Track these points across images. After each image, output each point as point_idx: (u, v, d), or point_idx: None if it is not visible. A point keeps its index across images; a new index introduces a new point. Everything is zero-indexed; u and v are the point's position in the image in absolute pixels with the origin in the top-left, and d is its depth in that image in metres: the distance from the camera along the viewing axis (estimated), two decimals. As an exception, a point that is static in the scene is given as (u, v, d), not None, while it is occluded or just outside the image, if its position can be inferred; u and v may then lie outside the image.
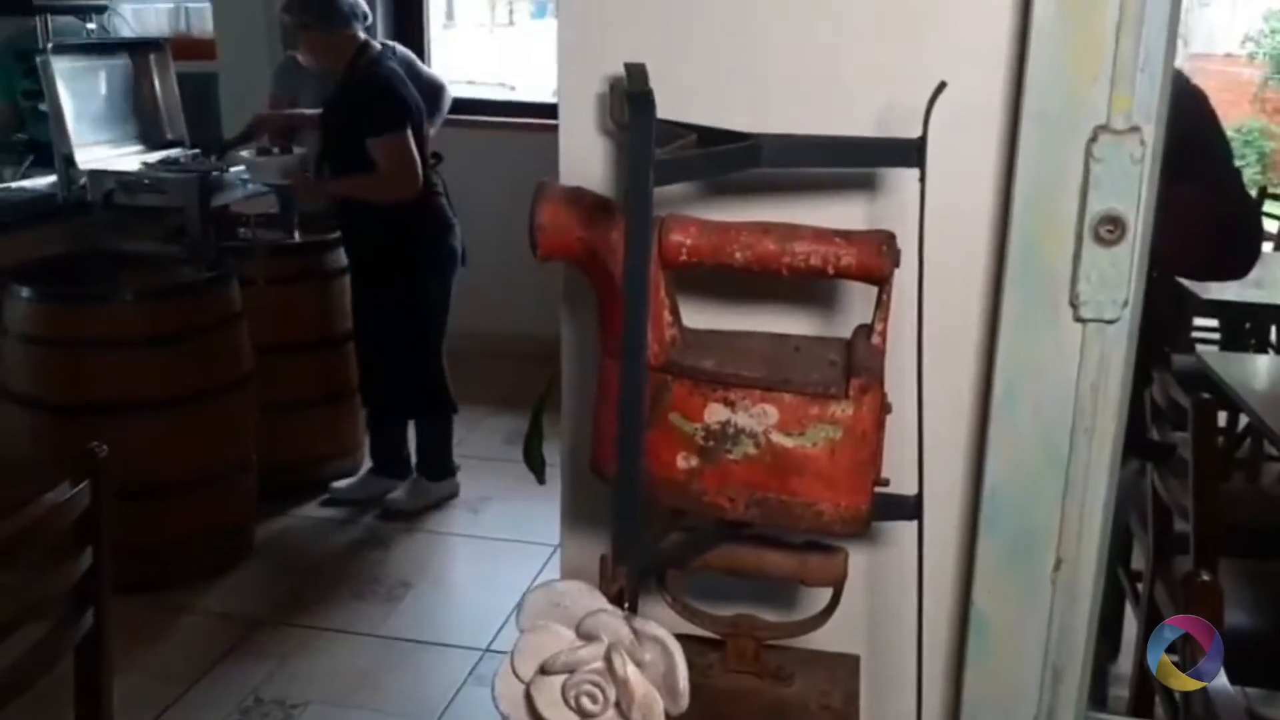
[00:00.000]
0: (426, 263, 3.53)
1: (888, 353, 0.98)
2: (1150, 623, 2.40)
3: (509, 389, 4.83)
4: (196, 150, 3.82)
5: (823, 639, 1.09)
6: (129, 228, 3.58)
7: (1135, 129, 0.95)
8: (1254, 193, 4.58)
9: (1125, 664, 2.56)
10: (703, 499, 0.96)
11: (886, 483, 0.99)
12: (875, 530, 1.12)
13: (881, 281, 0.94)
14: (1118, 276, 0.97)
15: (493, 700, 0.88)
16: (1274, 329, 3.96)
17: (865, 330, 0.98)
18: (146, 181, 3.43)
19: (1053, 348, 1.00)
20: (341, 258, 3.62)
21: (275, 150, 3.61)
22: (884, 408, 0.95)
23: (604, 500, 0.93)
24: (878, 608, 1.14)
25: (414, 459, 3.93)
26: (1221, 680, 1.91)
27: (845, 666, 1.08)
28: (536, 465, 1.80)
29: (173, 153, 3.72)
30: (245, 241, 3.64)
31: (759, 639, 1.05)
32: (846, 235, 0.94)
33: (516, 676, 0.87)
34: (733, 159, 0.94)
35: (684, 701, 0.83)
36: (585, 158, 1.09)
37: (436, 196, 3.53)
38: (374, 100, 3.34)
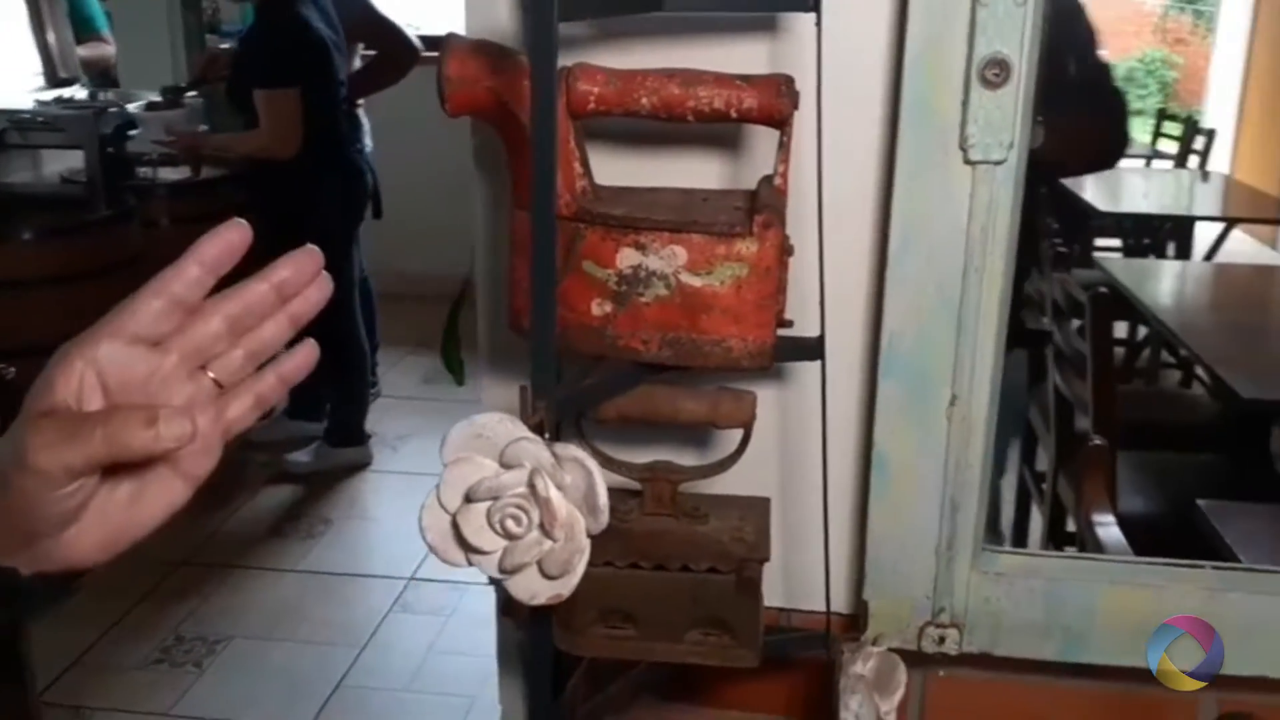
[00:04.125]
0: (320, 212, 3.44)
1: (790, 200, 1.02)
2: (1054, 516, 2.51)
3: (428, 329, 4.81)
4: (92, 88, 3.72)
5: (736, 485, 1.13)
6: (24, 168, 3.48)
7: (1018, -25, 0.99)
8: (1154, 112, 4.74)
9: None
10: (617, 343, 0.99)
11: (790, 324, 1.04)
12: (782, 375, 1.16)
13: (782, 124, 0.98)
14: (1003, 119, 1.02)
15: (420, 533, 0.90)
16: (1172, 244, 4.10)
17: (769, 178, 1.02)
18: (41, 120, 3.33)
19: (944, 192, 1.04)
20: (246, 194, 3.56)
21: (162, 104, 3.57)
22: (786, 247, 0.99)
23: (522, 355, 0.96)
24: (787, 454, 1.19)
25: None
26: (1117, 534, 2.02)
27: (757, 507, 1.12)
28: (454, 366, 1.81)
29: (67, 91, 3.61)
30: (146, 181, 3.56)
31: (674, 482, 1.09)
32: (747, 79, 0.97)
33: (442, 508, 0.89)
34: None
35: (604, 518, 0.86)
36: (490, 11, 1.11)
37: (340, 145, 3.47)
38: (270, 49, 3.25)
